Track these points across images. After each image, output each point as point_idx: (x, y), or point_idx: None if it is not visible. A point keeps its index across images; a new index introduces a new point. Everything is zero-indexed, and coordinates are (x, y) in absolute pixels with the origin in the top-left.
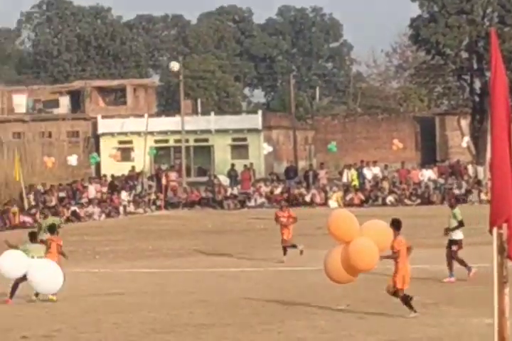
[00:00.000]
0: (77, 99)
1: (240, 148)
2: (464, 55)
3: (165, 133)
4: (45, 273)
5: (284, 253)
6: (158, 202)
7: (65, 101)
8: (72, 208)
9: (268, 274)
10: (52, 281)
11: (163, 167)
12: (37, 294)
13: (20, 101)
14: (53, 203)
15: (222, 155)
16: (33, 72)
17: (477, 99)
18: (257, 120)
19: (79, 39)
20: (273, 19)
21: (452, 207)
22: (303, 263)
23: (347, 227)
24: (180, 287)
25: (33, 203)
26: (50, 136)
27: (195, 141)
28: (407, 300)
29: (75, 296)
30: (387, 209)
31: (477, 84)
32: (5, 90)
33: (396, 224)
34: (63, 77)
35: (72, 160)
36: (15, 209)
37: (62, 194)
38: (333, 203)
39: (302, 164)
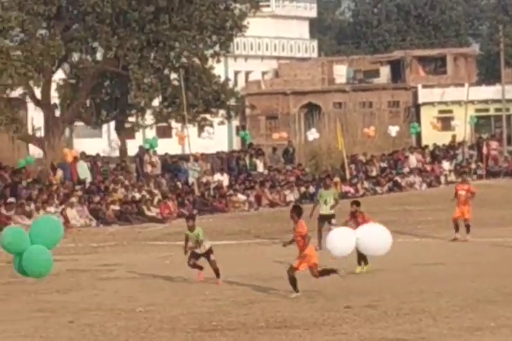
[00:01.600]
0: (397, 69)
1: None
2: None
3: (485, 102)
4: (374, 236)
5: None
6: (479, 172)
7: (385, 71)
8: (394, 178)
9: None
10: (381, 244)
11: (484, 136)
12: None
13: (341, 72)
14: (374, 173)
15: None
16: (353, 42)
17: None
18: None
19: (398, 9)
20: None
21: None
22: None
23: None
24: (498, 257)
25: (354, 173)
26: (370, 105)
27: None
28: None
29: (397, 266)
30: None
31: None
32: (325, 60)
33: (298, 211)
34: (383, 46)
35: (393, 130)
36: (337, 179)
37: (383, 164)
38: None
39: None
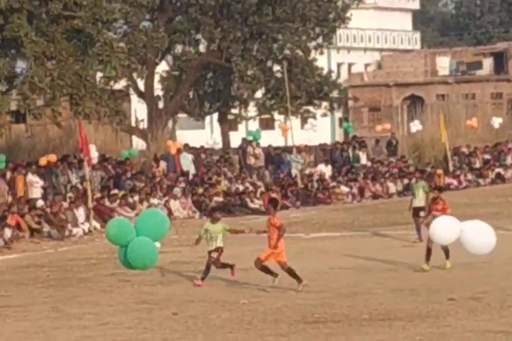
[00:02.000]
0: (500, 61)
1: None
2: None
3: None
4: (478, 234)
5: None
6: None
7: (488, 63)
8: (497, 170)
9: None
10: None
11: None
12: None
13: (444, 64)
14: (477, 165)
15: None
16: (456, 34)
17: None
18: None
19: (502, 0)
20: None
21: None
22: None
23: None
24: None
25: (457, 165)
26: (473, 97)
27: None
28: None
29: (501, 258)
30: None
31: None
32: (428, 52)
33: (273, 203)
34: (486, 38)
35: (496, 121)
36: (440, 171)
37: (486, 156)
38: None
39: None
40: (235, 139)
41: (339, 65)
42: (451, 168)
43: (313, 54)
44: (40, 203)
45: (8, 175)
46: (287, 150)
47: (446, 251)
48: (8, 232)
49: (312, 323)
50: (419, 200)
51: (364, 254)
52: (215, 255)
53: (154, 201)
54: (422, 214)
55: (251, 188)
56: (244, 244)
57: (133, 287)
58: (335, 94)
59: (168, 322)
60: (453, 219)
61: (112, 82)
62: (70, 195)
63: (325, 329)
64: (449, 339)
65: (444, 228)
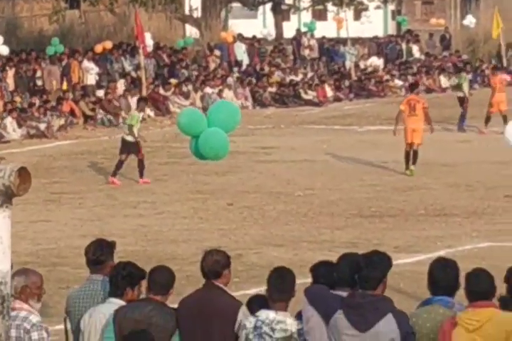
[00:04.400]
0: None
1: None
2: None
3: None
4: None
5: None
6: None
7: None
8: None
9: None
10: None
11: None
12: None
13: None
14: None
15: None
16: None
17: None
18: None
19: None
20: None
21: None
22: None
23: None
24: None
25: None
26: None
27: None
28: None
29: None
30: None
31: None
32: None
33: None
34: None
35: None
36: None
37: None
38: None
39: None
40: (288, 30)
41: None
42: (505, 63)
43: None
44: (97, 91)
45: (64, 61)
46: (341, 41)
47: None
48: (62, 119)
49: (368, 217)
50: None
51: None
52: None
53: (208, 90)
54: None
55: (305, 79)
56: (299, 135)
57: (188, 176)
58: None
59: (223, 213)
60: None
61: None
62: (122, 82)
63: (381, 223)
64: (506, 236)
65: None
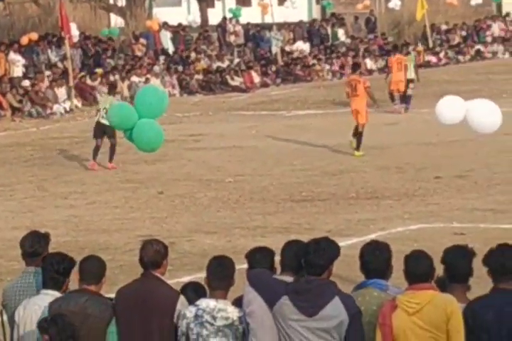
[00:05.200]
0: None
1: None
2: None
3: None
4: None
5: None
6: None
7: None
8: (476, 47)
9: None
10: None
11: None
12: None
13: None
14: (456, 41)
15: None
16: None
17: None
18: None
19: None
20: None
21: None
22: None
23: None
24: None
25: (436, 42)
26: None
27: None
28: None
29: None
30: None
31: None
32: None
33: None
34: None
35: None
36: (420, 47)
37: (465, 33)
38: None
39: None
40: (213, 17)
41: None
42: (430, 45)
43: None
44: (23, 82)
45: None
46: (267, 27)
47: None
48: None
49: (299, 202)
50: (410, 72)
51: (347, 132)
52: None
53: (135, 79)
54: (411, 85)
55: (231, 66)
56: (227, 122)
57: (117, 165)
58: None
59: (154, 201)
60: (458, 98)
61: None
62: (49, 73)
63: (312, 207)
64: (437, 217)
65: (449, 107)
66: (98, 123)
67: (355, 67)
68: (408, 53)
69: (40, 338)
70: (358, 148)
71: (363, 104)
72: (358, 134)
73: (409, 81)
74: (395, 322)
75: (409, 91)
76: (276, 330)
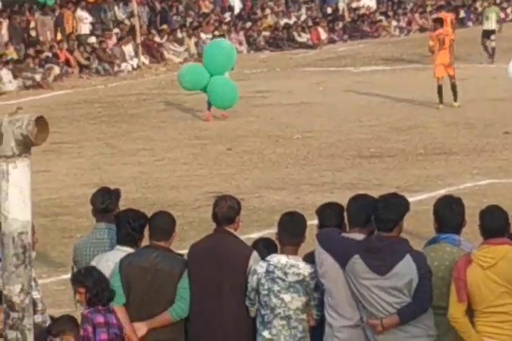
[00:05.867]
0: None
1: None
2: None
3: None
4: None
5: None
6: None
7: None
8: None
9: None
10: None
11: None
12: None
13: None
14: None
15: None
16: None
17: None
18: None
19: None
20: None
21: None
22: None
23: None
24: None
25: None
26: None
27: None
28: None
29: None
30: None
31: None
32: None
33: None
34: None
35: None
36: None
37: None
38: None
39: None
40: None
41: None
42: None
43: None
44: (90, 39)
45: (57, 11)
46: None
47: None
48: (57, 69)
49: (368, 158)
50: (492, 23)
51: (416, 88)
52: None
53: (202, 36)
54: (492, 37)
55: (298, 22)
56: (294, 78)
57: (186, 122)
58: None
59: (222, 158)
60: None
61: None
62: (116, 30)
63: (381, 163)
64: (506, 172)
65: None
66: None
67: (439, 20)
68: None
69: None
70: (455, 98)
71: (449, 57)
72: (452, 86)
73: (491, 32)
74: (469, 276)
75: (492, 44)
76: (349, 288)
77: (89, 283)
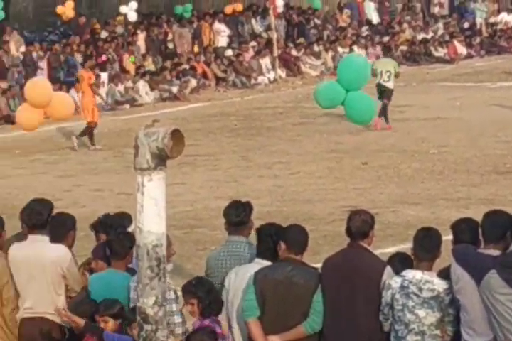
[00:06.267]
0: None
1: None
2: None
3: None
4: None
5: None
6: None
7: None
8: None
9: None
10: None
11: None
12: None
13: None
14: None
15: None
16: None
17: None
18: None
19: None
20: None
21: None
22: None
23: None
24: None
25: None
26: None
27: None
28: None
29: None
30: None
31: None
32: None
33: None
34: None
35: None
36: None
37: None
38: None
39: None
40: None
41: None
42: None
43: None
44: (227, 52)
45: (195, 23)
46: None
47: None
48: (194, 81)
49: (504, 173)
50: None
51: None
52: None
53: (339, 50)
54: None
55: (436, 37)
56: (431, 93)
57: (322, 136)
58: None
59: (358, 172)
60: None
61: None
62: (253, 43)
63: None
64: None
65: None
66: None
67: None
68: None
69: None
70: None
71: None
72: None
73: None
74: None
75: None
76: (483, 304)
77: (202, 294)
